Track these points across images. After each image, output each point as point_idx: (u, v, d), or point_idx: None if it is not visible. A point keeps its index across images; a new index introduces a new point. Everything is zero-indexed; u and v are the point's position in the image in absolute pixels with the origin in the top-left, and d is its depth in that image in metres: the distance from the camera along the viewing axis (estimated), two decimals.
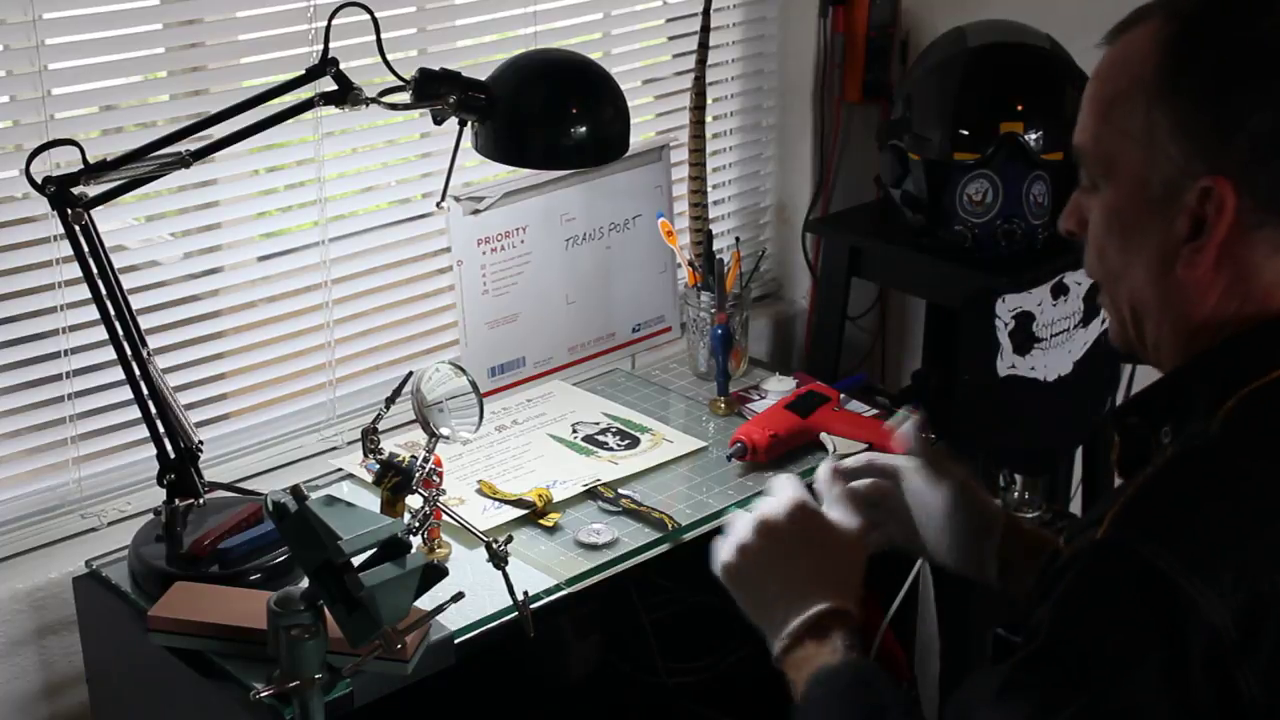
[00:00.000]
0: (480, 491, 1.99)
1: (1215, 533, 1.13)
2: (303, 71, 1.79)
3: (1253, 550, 1.12)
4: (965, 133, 2.38)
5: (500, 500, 1.97)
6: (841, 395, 2.21)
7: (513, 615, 1.72)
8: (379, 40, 1.78)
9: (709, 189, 2.41)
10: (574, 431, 2.17)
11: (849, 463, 1.62)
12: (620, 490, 2.01)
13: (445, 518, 1.79)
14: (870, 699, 1.32)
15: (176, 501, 1.79)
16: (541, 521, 1.93)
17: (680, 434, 2.17)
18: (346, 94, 1.77)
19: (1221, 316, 1.23)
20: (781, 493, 1.49)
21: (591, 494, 2.01)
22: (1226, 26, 1.21)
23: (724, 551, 1.47)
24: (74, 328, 1.93)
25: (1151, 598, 1.10)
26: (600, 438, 2.15)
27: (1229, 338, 1.23)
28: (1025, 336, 2.43)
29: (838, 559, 1.47)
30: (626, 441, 2.14)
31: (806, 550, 1.45)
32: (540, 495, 1.96)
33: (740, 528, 1.46)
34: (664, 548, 1.91)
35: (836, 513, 1.52)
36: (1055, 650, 1.13)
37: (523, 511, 1.94)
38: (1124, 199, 1.24)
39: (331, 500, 1.51)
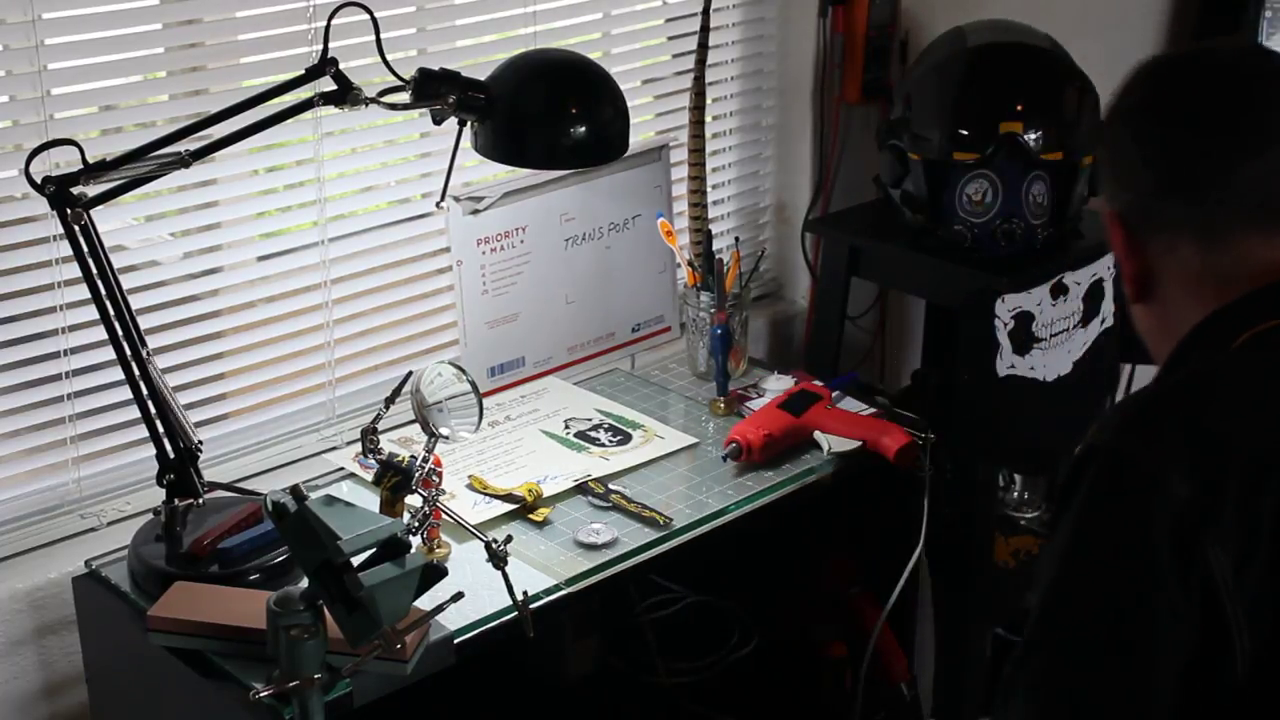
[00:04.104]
0: (471, 486, 1.99)
1: (1166, 417, 1.30)
2: (302, 71, 1.79)
3: (1211, 430, 1.27)
4: (965, 132, 2.38)
5: (490, 495, 1.97)
6: (834, 394, 2.21)
7: (512, 615, 1.72)
8: (378, 40, 1.78)
9: (708, 189, 2.41)
10: (566, 427, 2.17)
11: None
12: (610, 485, 2.01)
13: (445, 517, 1.79)
14: None
15: (176, 501, 1.79)
16: (531, 516, 1.94)
17: (672, 430, 2.17)
18: (346, 94, 1.77)
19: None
20: None
21: (582, 489, 2.01)
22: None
23: None
24: (74, 328, 1.93)
25: (1117, 481, 1.26)
26: (592, 433, 2.16)
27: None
28: (1025, 336, 2.43)
29: None
30: (618, 437, 2.15)
31: None
32: (530, 490, 1.96)
33: None
34: (663, 548, 1.91)
35: None
36: (1052, 550, 1.30)
37: (512, 506, 1.95)
38: None
39: (331, 500, 1.51)
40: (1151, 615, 1.24)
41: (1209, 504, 1.23)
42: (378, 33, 1.78)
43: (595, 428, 2.17)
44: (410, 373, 1.83)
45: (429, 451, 1.80)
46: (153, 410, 1.77)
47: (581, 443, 2.13)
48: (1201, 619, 1.23)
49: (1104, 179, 1.45)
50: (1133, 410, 1.38)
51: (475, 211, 2.18)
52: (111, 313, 1.73)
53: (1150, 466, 1.25)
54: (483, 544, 1.70)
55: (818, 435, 2.12)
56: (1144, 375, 3.11)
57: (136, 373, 1.75)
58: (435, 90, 1.81)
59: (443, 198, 1.98)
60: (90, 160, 1.71)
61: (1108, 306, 2.55)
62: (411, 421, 1.92)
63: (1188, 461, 1.24)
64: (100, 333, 1.78)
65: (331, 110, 1.84)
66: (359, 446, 1.80)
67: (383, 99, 1.81)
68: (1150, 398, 1.36)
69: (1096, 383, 2.62)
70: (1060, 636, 1.27)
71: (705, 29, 2.30)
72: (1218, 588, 1.22)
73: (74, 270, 1.75)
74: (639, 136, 2.30)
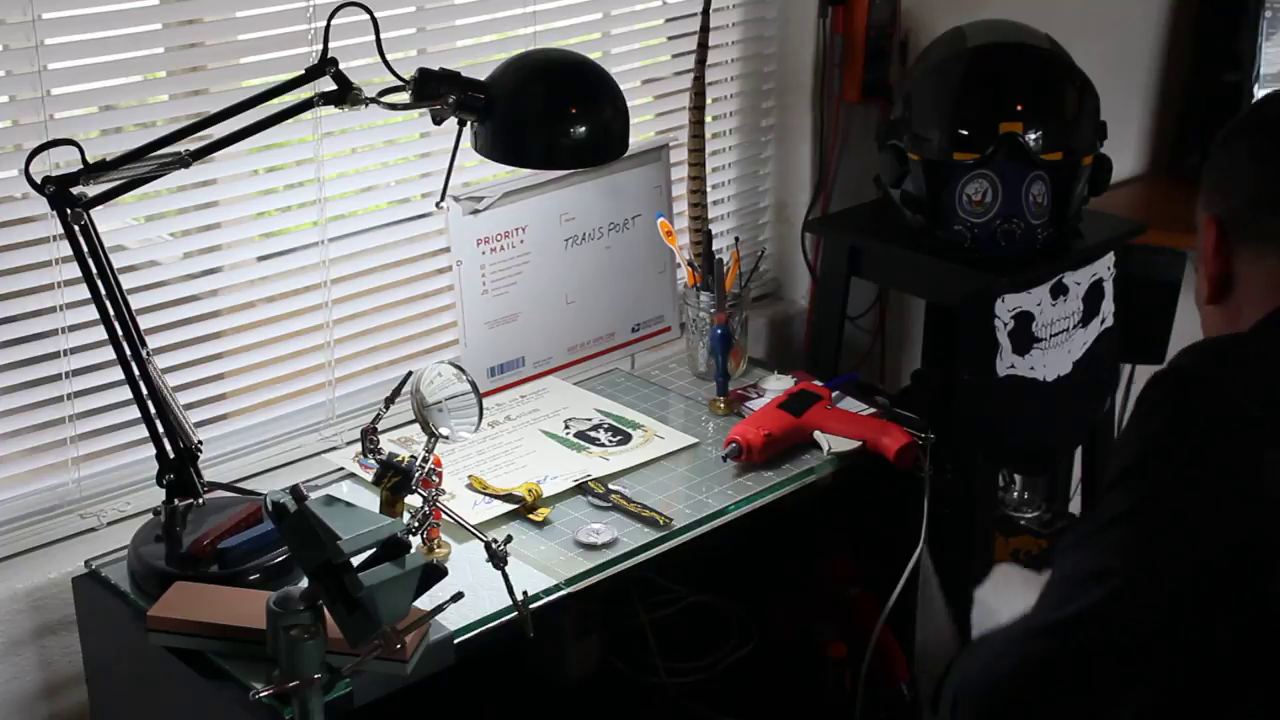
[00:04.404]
0: (470, 486, 1.99)
1: (1241, 349, 1.45)
2: (302, 71, 1.79)
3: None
4: (965, 132, 2.38)
5: (490, 495, 1.97)
6: (834, 394, 2.21)
7: (512, 615, 1.72)
8: (378, 40, 1.78)
9: (708, 189, 2.41)
10: (566, 427, 2.17)
11: None
12: (610, 485, 2.01)
13: (445, 517, 1.79)
14: None
15: (176, 501, 1.79)
16: (531, 516, 1.94)
17: (672, 430, 2.17)
18: (346, 94, 1.77)
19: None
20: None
21: (582, 489, 2.01)
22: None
23: None
24: (74, 328, 1.93)
25: (1188, 397, 1.39)
26: (592, 433, 2.16)
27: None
28: (1025, 336, 2.43)
29: None
30: (618, 437, 2.15)
31: None
32: (530, 490, 1.96)
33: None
34: (663, 548, 1.91)
35: None
36: (1121, 461, 1.41)
37: (512, 506, 1.95)
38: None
39: (331, 500, 1.51)
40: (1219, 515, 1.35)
41: (1276, 421, 1.35)
42: (378, 33, 1.78)
43: (595, 428, 2.17)
44: (410, 373, 1.83)
45: (429, 451, 1.80)
46: (153, 410, 1.77)
47: (581, 443, 2.13)
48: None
49: (1209, 185, 1.55)
50: (1203, 343, 1.50)
51: (475, 211, 2.18)
52: (111, 313, 1.73)
53: (1220, 385, 1.38)
54: (483, 544, 1.70)
55: (818, 435, 2.12)
56: (1144, 375, 3.10)
57: (136, 373, 1.75)
58: (435, 90, 1.81)
59: (443, 198, 1.98)
60: (90, 160, 1.72)
61: (1108, 306, 2.55)
62: (411, 421, 1.92)
63: (1261, 384, 1.38)
64: (100, 333, 1.78)
65: (331, 110, 1.84)
66: (359, 446, 1.80)
67: (383, 99, 1.81)
68: (1228, 339, 1.50)
69: (1096, 383, 2.62)
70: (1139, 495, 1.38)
71: (705, 29, 2.30)
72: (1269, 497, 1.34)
73: (74, 270, 1.75)
74: (639, 136, 2.30)
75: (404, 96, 1.81)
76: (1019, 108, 2.38)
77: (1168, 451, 1.39)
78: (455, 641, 1.69)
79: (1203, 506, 1.36)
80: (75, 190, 1.71)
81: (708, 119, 2.41)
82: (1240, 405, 1.36)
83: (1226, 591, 1.35)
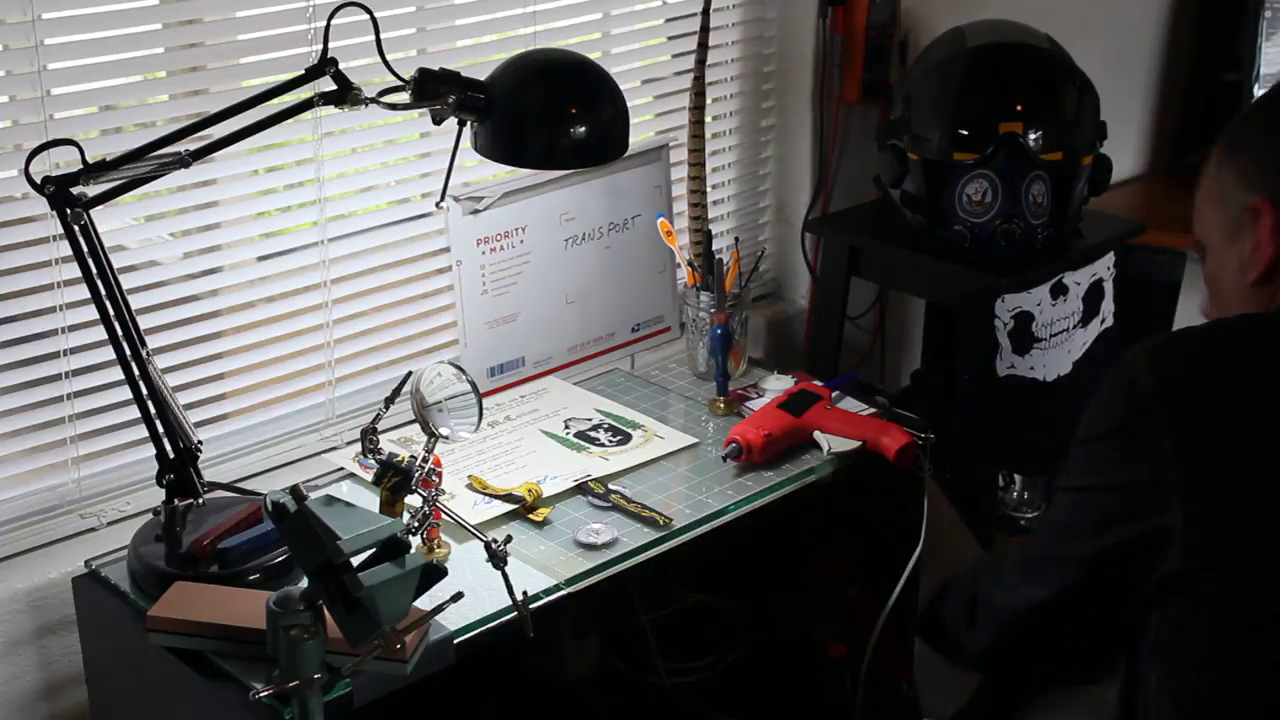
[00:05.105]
0: (470, 486, 1.99)
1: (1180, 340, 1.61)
2: (302, 71, 1.79)
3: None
4: (965, 132, 2.38)
5: (490, 495, 1.97)
6: (834, 393, 2.21)
7: (512, 615, 1.72)
8: (378, 40, 1.78)
9: (708, 189, 2.41)
10: (566, 427, 2.17)
11: None
12: (610, 486, 2.01)
13: (445, 517, 1.79)
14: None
15: (176, 501, 1.79)
16: (531, 516, 1.94)
17: (672, 430, 2.17)
18: (346, 94, 1.77)
19: None
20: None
21: (582, 489, 2.01)
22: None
23: None
24: (73, 328, 1.93)
25: (1127, 384, 1.55)
26: (592, 433, 2.16)
27: None
28: (1024, 336, 2.43)
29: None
30: (618, 437, 2.15)
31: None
32: (530, 490, 1.96)
33: None
34: (663, 548, 1.91)
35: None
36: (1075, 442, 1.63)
37: (512, 506, 1.95)
38: (1215, 250, 1.66)
39: (331, 500, 1.51)
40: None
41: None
42: (377, 33, 1.78)
43: (595, 428, 2.17)
44: (410, 373, 1.83)
45: (429, 451, 1.80)
46: (153, 410, 1.76)
47: (581, 443, 2.13)
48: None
49: (1257, 167, 1.58)
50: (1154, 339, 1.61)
51: (475, 211, 2.18)
52: (111, 313, 1.73)
53: (1155, 382, 1.53)
54: (483, 544, 1.70)
55: (818, 435, 2.12)
56: None
57: (136, 373, 1.75)
58: (435, 90, 1.81)
59: (442, 198, 1.98)
60: (90, 160, 1.71)
61: (1108, 306, 2.55)
62: (411, 421, 1.92)
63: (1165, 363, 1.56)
64: (100, 333, 1.78)
65: (331, 110, 1.84)
66: (359, 446, 1.80)
67: (383, 99, 1.81)
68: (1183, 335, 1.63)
69: (1096, 383, 2.62)
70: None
71: (705, 29, 2.30)
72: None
73: (74, 270, 1.75)
74: (639, 136, 2.30)
75: (404, 96, 1.81)
76: (1019, 108, 2.38)
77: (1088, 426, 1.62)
78: (455, 641, 1.69)
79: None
80: (75, 190, 1.70)
81: (708, 119, 2.41)
82: (1135, 377, 1.53)
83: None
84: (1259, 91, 3.22)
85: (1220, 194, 1.63)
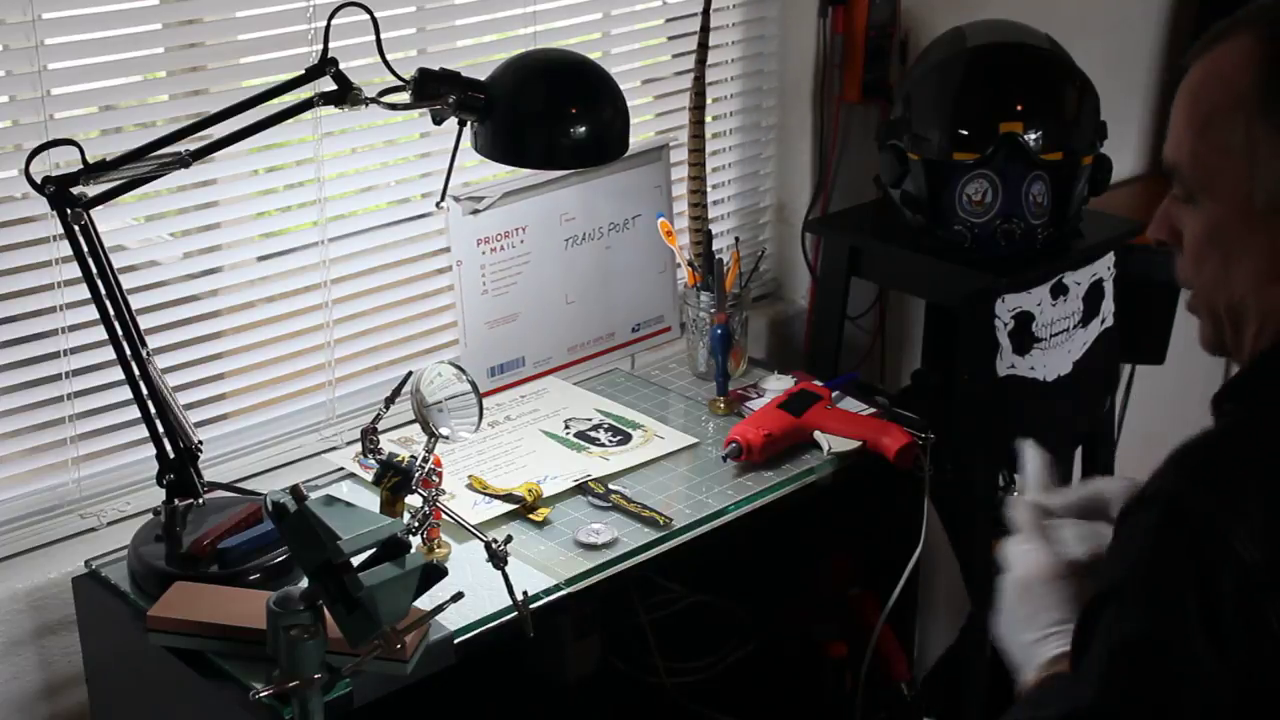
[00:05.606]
0: (470, 486, 1.99)
1: (1244, 475, 1.18)
2: (302, 71, 1.79)
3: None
4: (965, 132, 2.38)
5: (490, 495, 1.97)
6: (834, 394, 2.21)
7: (512, 615, 1.72)
8: (378, 40, 1.78)
9: (709, 189, 2.41)
10: (566, 427, 2.17)
11: (1053, 502, 1.50)
12: (610, 485, 2.01)
13: (445, 517, 1.79)
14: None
15: (176, 501, 1.79)
16: (531, 516, 1.94)
17: (672, 430, 2.17)
18: (346, 94, 1.77)
19: None
20: (1029, 556, 1.42)
21: (582, 489, 2.01)
22: None
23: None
24: (73, 328, 1.93)
25: (1184, 537, 1.16)
26: (592, 433, 2.16)
27: None
28: (1025, 336, 2.43)
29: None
30: (618, 437, 2.15)
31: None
32: (530, 490, 1.96)
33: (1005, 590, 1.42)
34: (663, 548, 1.91)
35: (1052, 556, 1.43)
36: (1108, 594, 1.19)
37: (512, 506, 1.95)
38: (1227, 213, 1.25)
39: (331, 500, 1.51)
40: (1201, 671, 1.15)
41: (1278, 568, 1.14)
42: (378, 33, 1.78)
43: (595, 428, 2.17)
44: (410, 373, 1.83)
45: (429, 451, 1.80)
46: (153, 410, 1.76)
47: (581, 443, 2.13)
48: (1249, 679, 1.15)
49: None
50: (1194, 456, 1.22)
51: (475, 211, 2.18)
52: (111, 313, 1.73)
53: (1219, 526, 1.15)
54: (483, 544, 1.70)
55: (818, 435, 2.12)
56: (1144, 375, 3.11)
57: (136, 373, 1.75)
58: (435, 90, 1.81)
59: (443, 198, 1.98)
60: (90, 160, 1.71)
61: (1108, 306, 2.55)
62: (411, 421, 1.92)
63: (1259, 520, 1.15)
64: (100, 333, 1.78)
65: (331, 110, 1.84)
66: (359, 446, 1.80)
67: (383, 99, 1.81)
68: (1211, 445, 1.23)
69: (1096, 383, 2.62)
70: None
71: (705, 29, 2.30)
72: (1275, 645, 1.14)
73: (74, 270, 1.75)
74: (639, 136, 2.30)
75: (404, 96, 1.81)
76: (1019, 108, 2.38)
77: (1155, 588, 1.17)
78: (455, 641, 1.69)
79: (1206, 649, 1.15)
80: (75, 190, 1.70)
81: (708, 119, 2.41)
82: (1234, 549, 1.14)
83: None
84: None
85: (1251, 153, 1.23)
